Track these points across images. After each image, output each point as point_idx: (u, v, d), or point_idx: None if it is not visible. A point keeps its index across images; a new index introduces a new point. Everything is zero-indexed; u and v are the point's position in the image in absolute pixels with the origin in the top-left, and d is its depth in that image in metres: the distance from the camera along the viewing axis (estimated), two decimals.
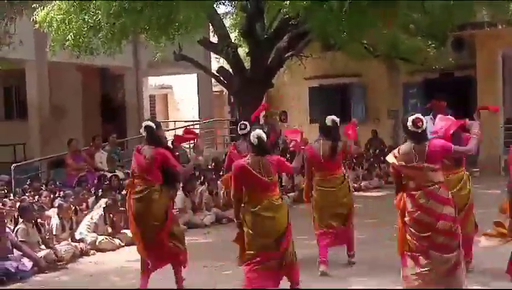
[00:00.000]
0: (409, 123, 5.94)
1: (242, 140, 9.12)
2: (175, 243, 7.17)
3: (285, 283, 6.64)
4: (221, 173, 13.11)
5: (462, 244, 6.12)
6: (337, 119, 8.11)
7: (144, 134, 7.25)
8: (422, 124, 5.95)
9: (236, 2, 14.67)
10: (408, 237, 5.96)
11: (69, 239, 9.82)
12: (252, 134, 6.46)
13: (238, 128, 9.21)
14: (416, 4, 11.86)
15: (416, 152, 5.91)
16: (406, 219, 5.97)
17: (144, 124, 7.28)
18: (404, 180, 6.03)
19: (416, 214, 5.88)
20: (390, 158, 6.05)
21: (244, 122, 9.17)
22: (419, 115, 6.03)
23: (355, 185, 16.03)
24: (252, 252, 6.40)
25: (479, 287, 6.83)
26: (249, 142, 6.61)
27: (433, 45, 17.53)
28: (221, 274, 8.14)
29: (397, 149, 6.10)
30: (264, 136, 6.43)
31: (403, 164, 5.95)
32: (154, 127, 7.26)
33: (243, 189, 6.45)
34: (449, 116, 9.14)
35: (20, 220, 9.12)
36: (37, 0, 11.76)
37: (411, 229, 5.94)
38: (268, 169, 6.37)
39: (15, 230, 8.99)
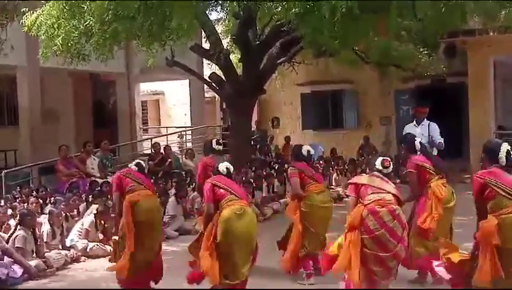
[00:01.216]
0: (377, 162, 6.18)
1: (214, 155, 8.59)
2: None
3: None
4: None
5: None
6: (312, 151, 8.35)
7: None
8: (390, 165, 6.17)
9: (228, 8, 14.63)
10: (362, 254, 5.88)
11: (60, 246, 9.78)
12: (220, 165, 6.79)
13: (215, 143, 8.68)
14: (407, 11, 11.88)
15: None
16: (365, 236, 5.84)
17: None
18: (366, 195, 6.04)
19: (379, 232, 5.79)
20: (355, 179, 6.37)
21: (219, 140, 8.95)
22: (387, 157, 6.26)
23: (347, 192, 16.06)
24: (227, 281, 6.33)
25: None
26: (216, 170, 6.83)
27: (425, 52, 17.58)
28: None
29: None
30: (231, 167, 6.77)
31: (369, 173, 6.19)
32: None
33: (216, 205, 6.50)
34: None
35: (19, 226, 9.05)
36: None
37: (366, 248, 5.84)
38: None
39: (13, 236, 8.94)
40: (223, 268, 6.28)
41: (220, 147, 8.66)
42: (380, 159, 6.19)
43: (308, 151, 8.19)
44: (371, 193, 5.92)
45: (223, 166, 6.69)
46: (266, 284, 7.53)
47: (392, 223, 5.76)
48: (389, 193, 5.88)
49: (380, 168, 6.11)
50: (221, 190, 6.42)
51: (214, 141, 8.79)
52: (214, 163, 8.39)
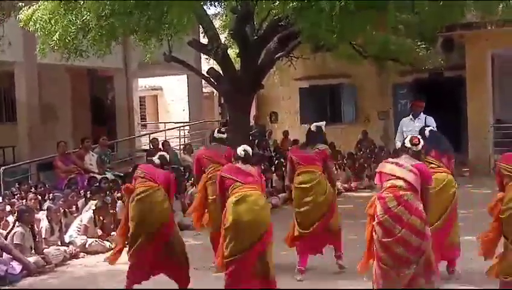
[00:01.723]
0: (407, 140, 6.14)
1: (216, 144, 8.68)
2: None
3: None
4: None
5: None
6: (322, 125, 8.28)
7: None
8: (419, 142, 6.12)
9: (226, 3, 14.61)
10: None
11: (59, 242, 9.77)
12: (239, 148, 6.90)
13: (217, 132, 8.82)
14: (405, 5, 11.87)
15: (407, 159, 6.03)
16: (374, 222, 5.90)
17: None
18: (383, 183, 6.03)
19: (383, 218, 5.78)
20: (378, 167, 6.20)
21: (223, 127, 9.04)
22: (417, 135, 6.26)
23: (346, 186, 16.06)
24: (230, 258, 6.43)
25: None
26: (236, 154, 6.97)
27: (423, 46, 17.56)
28: (212, 276, 8.12)
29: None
30: (249, 149, 6.92)
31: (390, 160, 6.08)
32: None
33: (226, 194, 6.68)
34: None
35: (17, 223, 9.04)
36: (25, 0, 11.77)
37: (375, 233, 5.87)
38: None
39: (12, 233, 8.93)
40: (226, 254, 6.48)
41: (222, 135, 8.72)
42: (409, 136, 6.26)
43: (317, 126, 8.27)
44: (386, 180, 5.95)
45: (241, 149, 6.89)
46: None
47: (396, 209, 5.72)
48: (400, 178, 5.83)
49: (409, 145, 6.10)
50: (228, 180, 6.68)
51: (216, 130, 8.91)
52: (207, 153, 8.60)
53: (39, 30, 11.04)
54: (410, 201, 5.74)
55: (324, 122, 8.41)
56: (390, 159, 6.20)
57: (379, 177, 6.09)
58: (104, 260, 8.86)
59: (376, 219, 5.85)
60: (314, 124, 8.29)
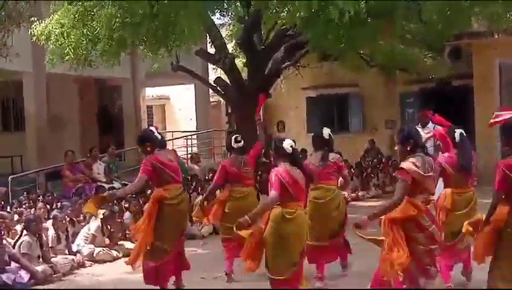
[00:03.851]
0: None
1: (235, 154, 8.58)
2: None
3: None
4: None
5: None
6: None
7: None
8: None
9: (233, 13, 14.67)
10: None
11: (66, 251, 9.78)
12: (284, 143, 6.34)
13: (233, 141, 8.59)
14: (413, 14, 11.89)
15: (428, 165, 5.72)
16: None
17: None
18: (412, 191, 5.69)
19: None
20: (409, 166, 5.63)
21: (239, 135, 8.70)
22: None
23: (353, 195, 16.03)
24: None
25: None
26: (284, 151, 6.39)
27: (430, 55, 17.55)
28: (218, 285, 8.13)
29: (411, 163, 5.67)
30: (292, 144, 6.33)
31: (423, 173, 5.65)
32: None
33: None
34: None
35: (24, 232, 9.07)
36: None
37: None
38: None
39: (19, 242, 8.95)
40: None
41: (239, 144, 8.55)
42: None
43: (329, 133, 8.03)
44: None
45: (288, 145, 6.27)
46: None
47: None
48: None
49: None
50: None
51: (232, 140, 8.66)
52: (231, 169, 8.51)
53: (52, 44, 11.11)
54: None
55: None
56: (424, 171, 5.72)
57: None
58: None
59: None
60: (327, 130, 8.00)
